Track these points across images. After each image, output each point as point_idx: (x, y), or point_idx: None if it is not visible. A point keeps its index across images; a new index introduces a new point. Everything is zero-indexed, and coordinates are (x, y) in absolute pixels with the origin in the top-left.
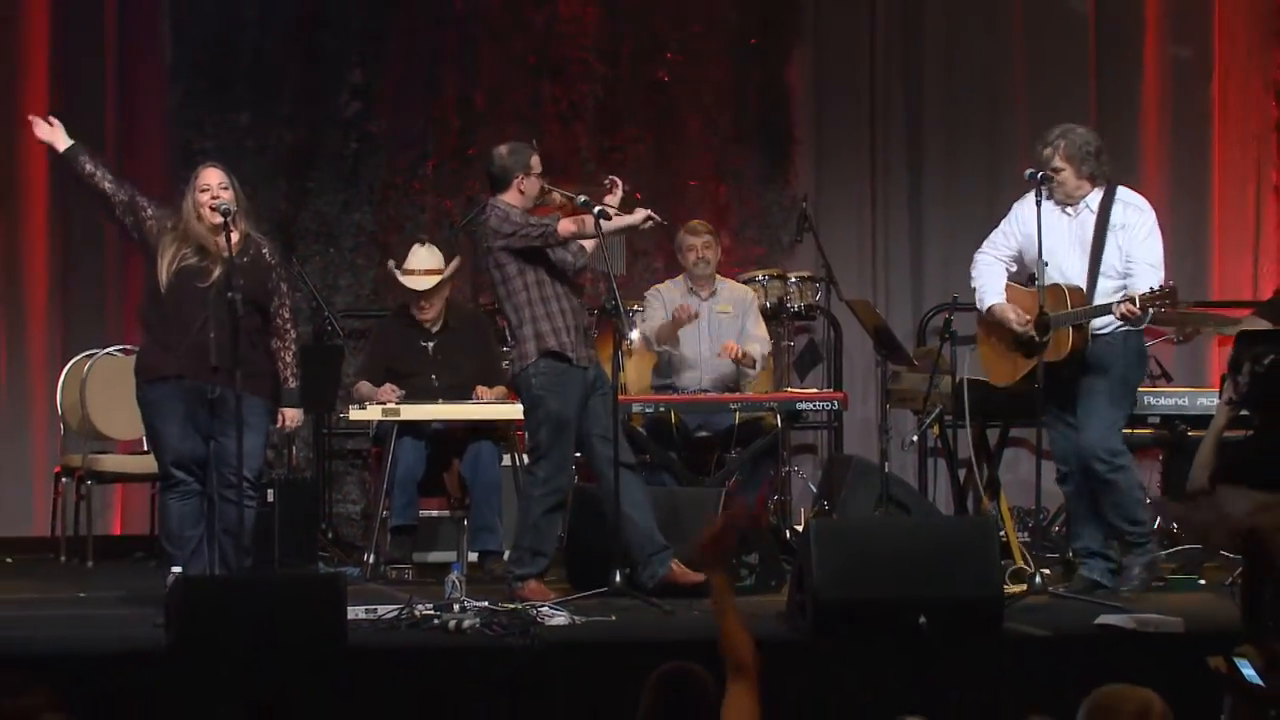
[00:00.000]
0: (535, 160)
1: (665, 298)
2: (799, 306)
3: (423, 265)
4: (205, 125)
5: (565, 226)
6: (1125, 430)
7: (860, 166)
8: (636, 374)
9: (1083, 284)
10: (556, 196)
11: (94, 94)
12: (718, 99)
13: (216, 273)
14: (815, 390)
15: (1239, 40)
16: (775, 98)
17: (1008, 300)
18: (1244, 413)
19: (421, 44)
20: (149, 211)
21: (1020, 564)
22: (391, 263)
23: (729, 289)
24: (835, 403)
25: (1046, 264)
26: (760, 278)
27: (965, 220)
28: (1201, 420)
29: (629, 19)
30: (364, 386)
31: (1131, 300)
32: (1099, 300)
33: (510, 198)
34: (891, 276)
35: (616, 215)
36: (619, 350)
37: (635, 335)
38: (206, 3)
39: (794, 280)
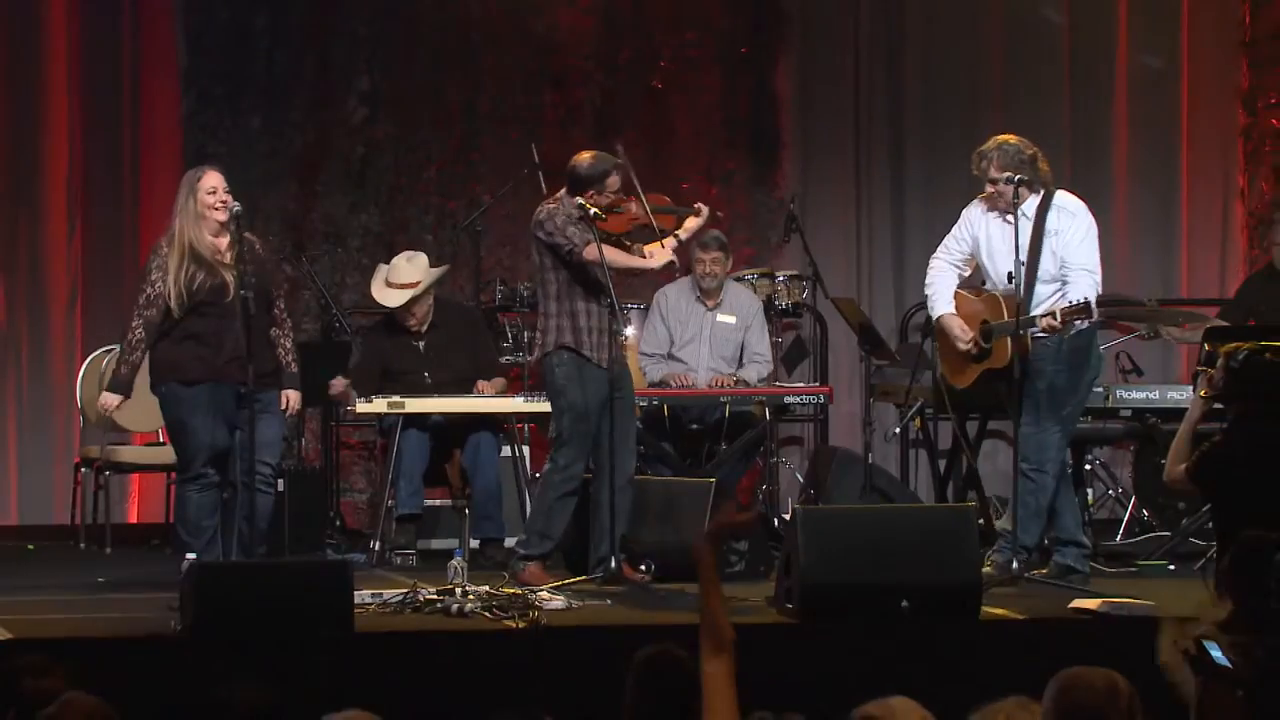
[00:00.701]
0: (613, 180)
1: (671, 302)
2: (787, 304)
3: (399, 279)
4: (218, 130)
5: (591, 252)
6: (1098, 424)
7: (845, 170)
8: (632, 369)
9: (1020, 290)
10: (633, 207)
11: (111, 101)
12: (709, 105)
13: (231, 283)
14: (802, 385)
15: (1206, 50)
16: (764, 104)
17: (956, 309)
18: (1218, 406)
19: (426, 52)
20: (160, 303)
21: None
22: (379, 272)
23: (735, 297)
24: (821, 396)
25: (1024, 263)
26: (749, 276)
27: (946, 222)
28: (1172, 413)
29: (625, 29)
30: (337, 383)
31: (1053, 315)
32: (1035, 305)
33: (589, 201)
34: (875, 276)
35: (656, 250)
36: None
37: (630, 331)
38: (219, 12)
39: (782, 279)
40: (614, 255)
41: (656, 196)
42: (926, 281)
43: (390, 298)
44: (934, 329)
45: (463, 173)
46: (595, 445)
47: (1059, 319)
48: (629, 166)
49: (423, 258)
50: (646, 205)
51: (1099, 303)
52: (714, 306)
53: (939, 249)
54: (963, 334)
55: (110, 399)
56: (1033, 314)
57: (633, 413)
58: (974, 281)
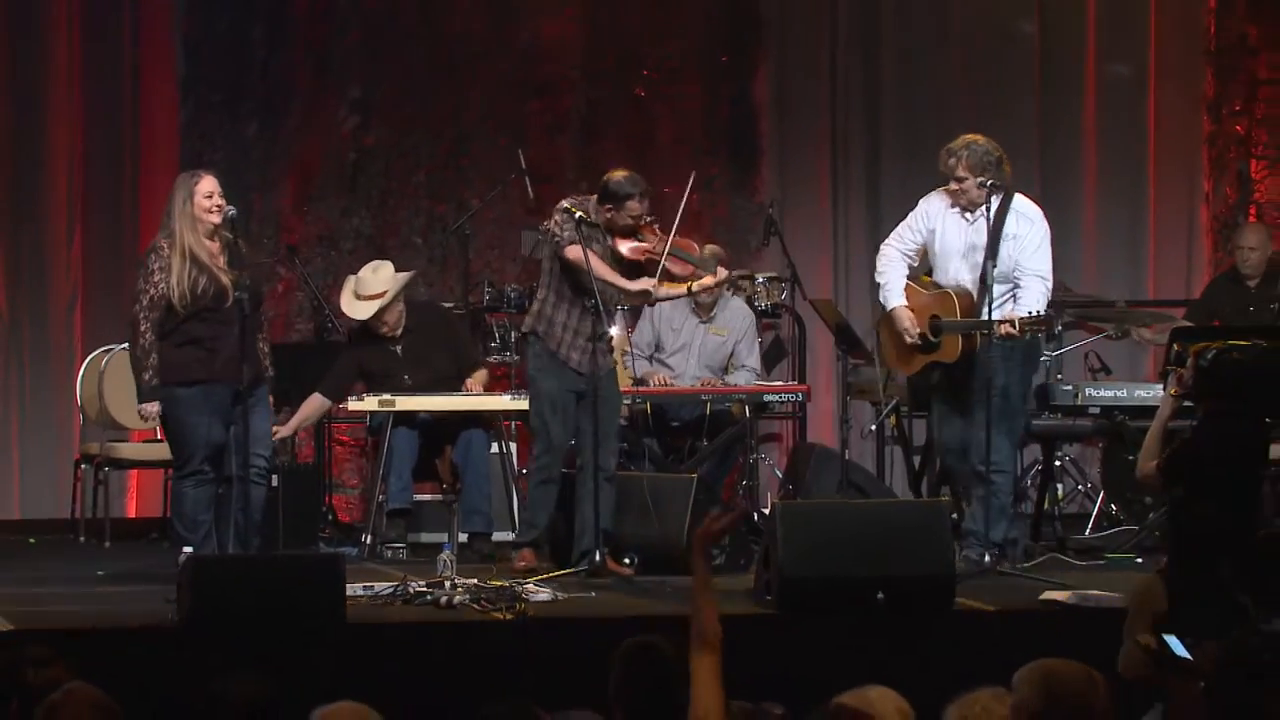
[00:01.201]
0: (632, 204)
1: (665, 309)
2: (766, 305)
3: (366, 291)
4: (215, 136)
5: (571, 252)
6: (1068, 421)
7: (822, 175)
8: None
9: (973, 289)
10: (651, 239)
11: (113, 109)
12: (690, 113)
13: (229, 287)
14: (781, 383)
15: (1172, 59)
16: (743, 111)
17: (908, 300)
18: (1188, 404)
19: (416, 62)
20: (162, 304)
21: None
22: (347, 284)
23: (729, 311)
24: (800, 394)
25: (995, 266)
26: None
27: None
28: (1139, 410)
29: (609, 39)
30: (313, 402)
31: (1011, 323)
32: (986, 305)
33: (599, 215)
34: (852, 278)
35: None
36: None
37: (614, 331)
38: (217, 23)
39: (761, 281)
40: (593, 262)
41: (686, 242)
42: (878, 270)
43: (359, 310)
44: (880, 317)
45: (452, 178)
46: (577, 440)
47: (1018, 328)
48: (681, 202)
49: (388, 266)
50: (668, 245)
51: (1067, 304)
52: (706, 319)
53: (891, 237)
54: (911, 327)
55: (150, 409)
56: (991, 318)
57: (615, 412)
58: (916, 271)
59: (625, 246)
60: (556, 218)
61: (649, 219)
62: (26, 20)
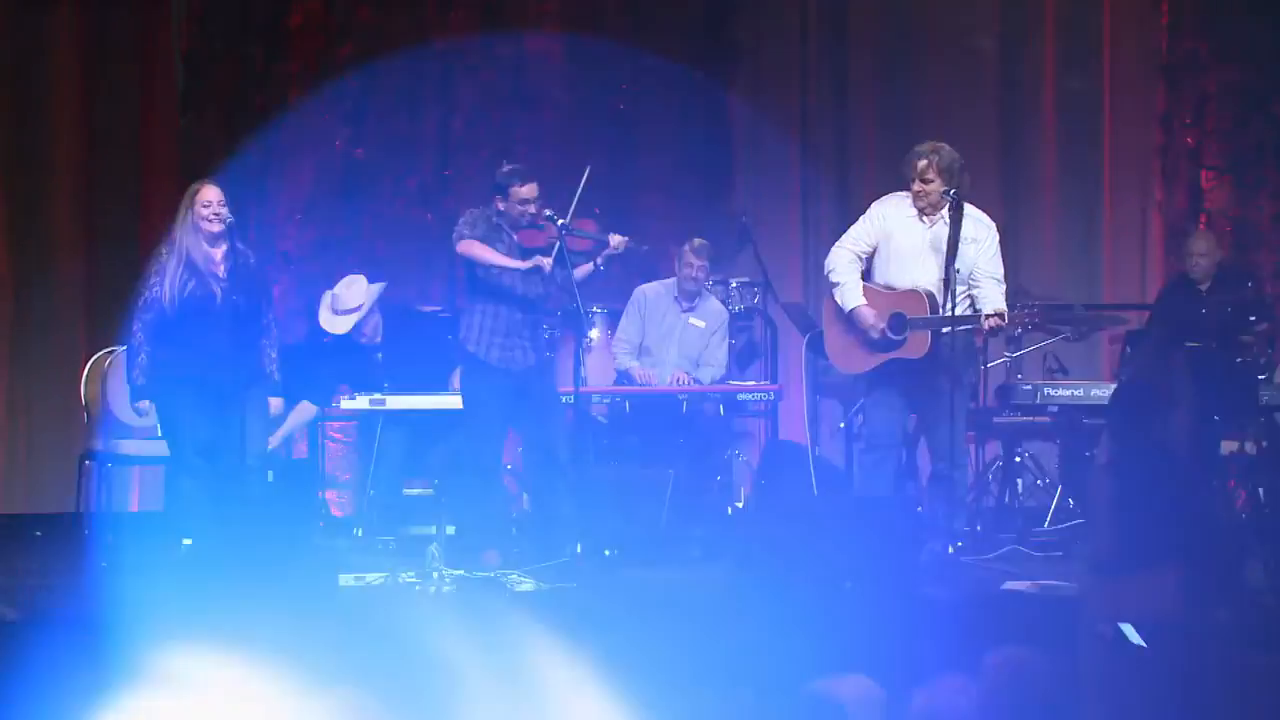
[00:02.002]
0: (514, 190)
1: (650, 300)
2: (740, 309)
3: (342, 306)
4: (213, 146)
5: (461, 247)
6: (1028, 419)
7: (792, 186)
8: (598, 367)
9: (933, 288)
10: (549, 227)
11: (116, 119)
12: (667, 126)
13: (220, 294)
14: (754, 383)
15: (1127, 74)
16: (719, 125)
17: (868, 301)
18: None
19: (406, 76)
20: (156, 306)
21: None
22: (324, 299)
23: (709, 306)
24: (772, 393)
25: (959, 271)
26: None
27: None
28: (1095, 409)
29: (590, 55)
30: (301, 409)
31: (1000, 315)
32: (948, 305)
33: (499, 208)
34: (820, 283)
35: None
36: (580, 348)
37: (593, 334)
38: (215, 39)
39: (735, 285)
40: (481, 252)
41: (583, 222)
42: (835, 270)
43: (337, 325)
44: (827, 317)
45: (440, 187)
46: (527, 436)
47: (1005, 320)
48: (578, 189)
49: (361, 281)
50: (566, 225)
51: (1027, 306)
52: (688, 310)
53: (845, 239)
54: (876, 322)
55: (141, 405)
56: (954, 315)
57: (552, 409)
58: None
59: (526, 238)
60: (461, 219)
61: (547, 213)
62: (33, 35)
